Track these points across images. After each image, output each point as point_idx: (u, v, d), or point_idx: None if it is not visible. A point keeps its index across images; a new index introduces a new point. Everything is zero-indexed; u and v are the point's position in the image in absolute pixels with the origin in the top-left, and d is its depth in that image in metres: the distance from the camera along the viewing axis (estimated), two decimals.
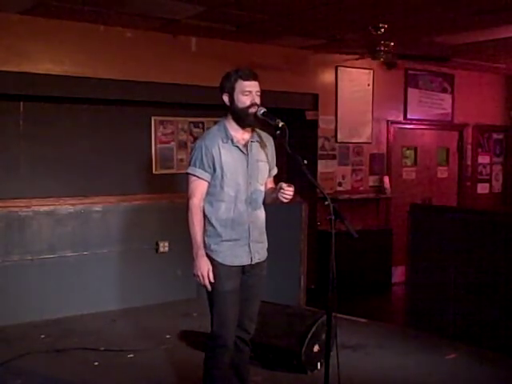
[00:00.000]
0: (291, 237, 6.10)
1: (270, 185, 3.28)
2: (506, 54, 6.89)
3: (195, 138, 6.21)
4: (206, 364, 3.15)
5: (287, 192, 2.98)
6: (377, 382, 4.14)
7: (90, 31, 5.30)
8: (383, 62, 6.23)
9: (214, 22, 5.30)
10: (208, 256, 3.04)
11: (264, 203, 3.20)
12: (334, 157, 7.09)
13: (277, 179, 3.29)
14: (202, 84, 5.66)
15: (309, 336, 4.11)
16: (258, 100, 3.07)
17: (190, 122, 6.45)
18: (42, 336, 5.00)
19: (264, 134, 3.23)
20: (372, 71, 7.28)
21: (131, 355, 4.55)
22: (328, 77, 7.00)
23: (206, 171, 3.06)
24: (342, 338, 4.25)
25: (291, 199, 3.02)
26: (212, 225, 3.07)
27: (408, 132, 7.90)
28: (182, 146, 6.38)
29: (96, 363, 4.38)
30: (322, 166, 6.97)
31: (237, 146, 3.09)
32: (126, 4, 4.67)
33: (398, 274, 7.15)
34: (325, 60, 6.80)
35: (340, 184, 7.19)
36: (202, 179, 3.07)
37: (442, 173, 8.32)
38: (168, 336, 4.99)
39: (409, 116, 7.78)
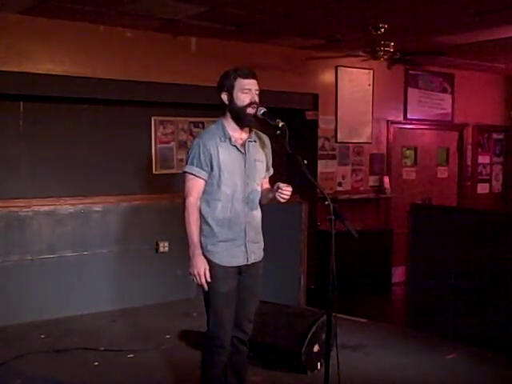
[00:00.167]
0: (291, 237, 6.11)
1: (266, 185, 3.27)
2: (506, 54, 6.89)
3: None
4: (203, 364, 3.15)
5: (285, 192, 2.97)
6: (377, 382, 4.14)
7: (89, 31, 5.30)
8: (389, 61, 6.08)
9: (214, 22, 5.30)
10: (205, 257, 3.03)
11: (260, 203, 3.19)
12: (333, 157, 7.09)
13: (273, 180, 3.27)
14: (201, 84, 5.65)
15: (309, 336, 4.11)
16: (257, 98, 3.06)
17: (190, 122, 6.45)
18: (42, 336, 5.00)
19: (261, 134, 3.23)
20: (372, 71, 7.27)
21: (131, 355, 4.55)
22: (328, 77, 7.00)
23: (203, 169, 3.04)
24: (341, 338, 4.24)
25: (288, 199, 3.01)
26: (208, 224, 3.06)
27: (408, 132, 7.90)
28: (182, 145, 6.37)
29: (96, 363, 4.38)
30: (322, 166, 6.97)
31: (235, 146, 3.08)
32: (125, 4, 4.67)
33: (398, 274, 7.14)
34: (325, 60, 6.78)
35: (340, 184, 7.19)
36: (199, 178, 3.05)
37: (442, 173, 8.31)
38: (168, 336, 4.99)
39: (409, 116, 7.78)
